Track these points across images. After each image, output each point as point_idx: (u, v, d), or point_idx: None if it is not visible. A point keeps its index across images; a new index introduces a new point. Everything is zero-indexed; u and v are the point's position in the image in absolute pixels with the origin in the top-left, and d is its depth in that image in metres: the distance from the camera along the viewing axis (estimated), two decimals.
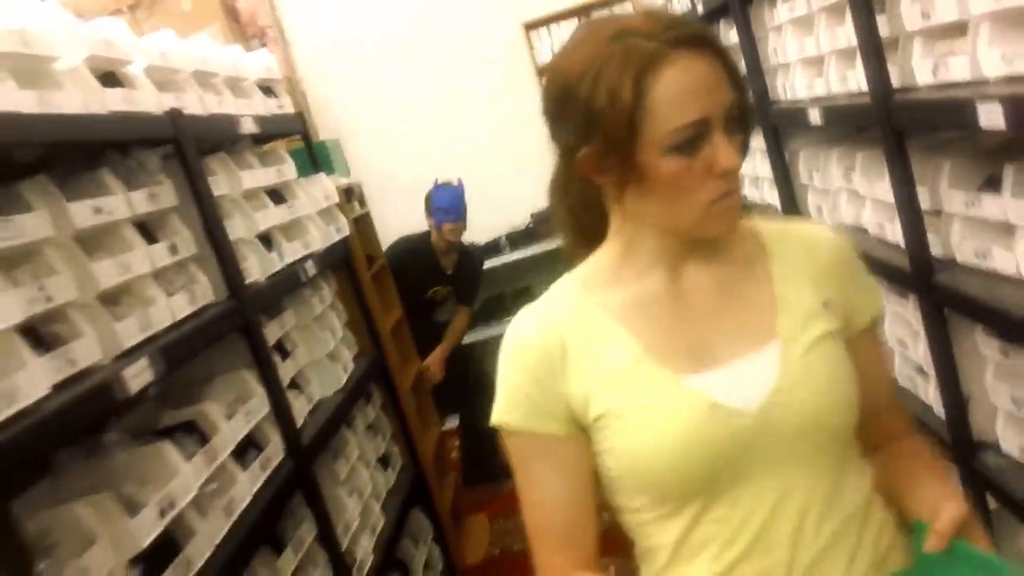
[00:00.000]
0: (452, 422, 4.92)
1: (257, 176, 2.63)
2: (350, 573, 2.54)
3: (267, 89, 3.04)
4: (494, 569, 3.83)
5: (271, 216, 2.65)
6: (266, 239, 2.60)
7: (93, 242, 1.81)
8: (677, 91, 0.98)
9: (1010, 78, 1.47)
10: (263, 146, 3.03)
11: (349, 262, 3.42)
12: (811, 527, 1.05)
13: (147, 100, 2.07)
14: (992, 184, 1.69)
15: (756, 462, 1.04)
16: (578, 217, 1.19)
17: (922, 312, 1.92)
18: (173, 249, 2.04)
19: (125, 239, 1.87)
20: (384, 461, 3.34)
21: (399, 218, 4.81)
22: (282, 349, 2.63)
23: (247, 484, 2.04)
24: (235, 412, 2.11)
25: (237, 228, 2.41)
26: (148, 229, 2.02)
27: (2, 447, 1.29)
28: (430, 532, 3.59)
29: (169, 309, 1.93)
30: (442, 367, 4.42)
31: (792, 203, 2.67)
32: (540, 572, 1.14)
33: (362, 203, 4.00)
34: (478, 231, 4.64)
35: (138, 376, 1.65)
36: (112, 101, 1.91)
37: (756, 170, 3.00)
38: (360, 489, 2.89)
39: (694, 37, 1.00)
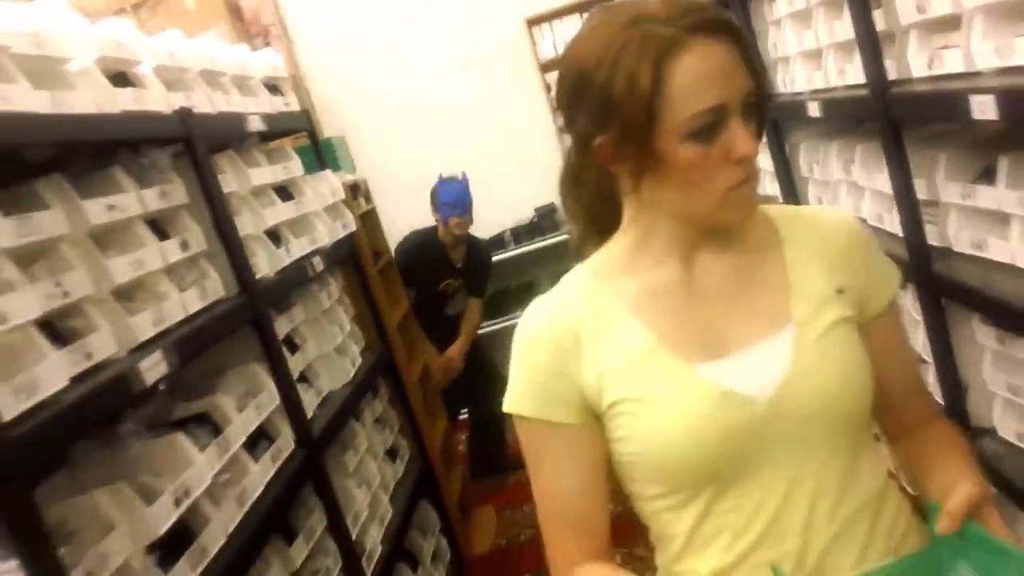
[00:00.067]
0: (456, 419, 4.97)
1: (265, 173, 2.68)
2: (360, 563, 2.58)
3: (273, 87, 3.08)
4: (501, 559, 3.87)
5: (279, 212, 2.69)
6: (274, 235, 2.64)
7: (107, 239, 1.85)
8: (696, 77, 0.97)
9: (1003, 70, 1.50)
10: (270, 144, 3.07)
11: (355, 257, 3.46)
12: (824, 514, 1.04)
13: (157, 100, 2.11)
14: (987, 175, 1.72)
15: (769, 450, 1.04)
16: (591, 207, 1.18)
17: (920, 301, 1.96)
18: (184, 245, 2.08)
19: (138, 236, 1.92)
20: (392, 453, 3.38)
21: (404, 214, 4.85)
22: (291, 343, 2.67)
23: (259, 475, 2.09)
24: (246, 404, 2.15)
25: (246, 224, 2.45)
26: (160, 226, 2.06)
27: (24, 437, 1.33)
28: (437, 524, 3.64)
29: (181, 304, 1.97)
30: (463, 359, 4.47)
31: (793, 195, 2.70)
32: (551, 561, 1.14)
33: (367, 199, 4.04)
34: (482, 226, 4.67)
35: (153, 369, 1.70)
36: (123, 101, 1.95)
37: (757, 163, 3.03)
38: (369, 481, 2.94)
39: (713, 22, 0.99)
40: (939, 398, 1.98)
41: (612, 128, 1.01)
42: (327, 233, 3.06)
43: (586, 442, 1.10)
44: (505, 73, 5.67)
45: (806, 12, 2.25)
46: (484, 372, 4.57)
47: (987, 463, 1.82)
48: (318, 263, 2.88)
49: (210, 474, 1.84)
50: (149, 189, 2.00)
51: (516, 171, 5.67)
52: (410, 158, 5.55)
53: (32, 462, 1.37)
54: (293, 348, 2.66)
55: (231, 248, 2.28)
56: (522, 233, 5.54)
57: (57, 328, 1.62)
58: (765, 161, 2.87)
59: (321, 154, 3.56)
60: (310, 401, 2.61)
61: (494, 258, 4.96)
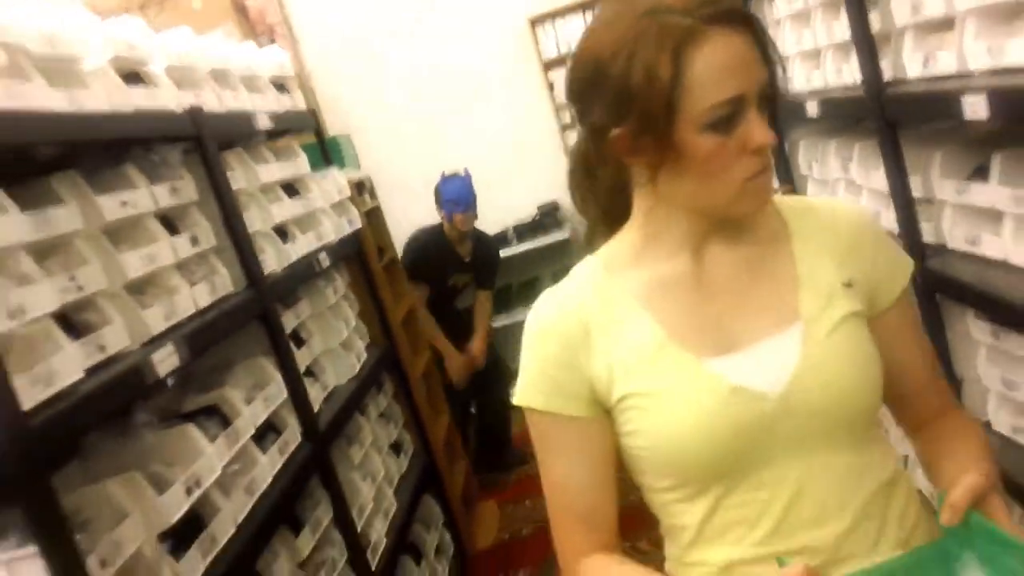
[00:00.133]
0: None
1: (272, 170, 2.72)
2: (365, 555, 2.62)
3: (280, 86, 3.11)
4: (504, 553, 3.91)
5: (286, 209, 2.73)
6: (282, 231, 2.68)
7: (119, 234, 1.90)
8: (715, 67, 0.96)
9: (994, 70, 1.54)
10: (277, 141, 3.11)
11: (361, 254, 3.50)
12: (835, 507, 1.04)
13: (168, 98, 2.15)
14: (981, 173, 1.76)
15: (779, 445, 1.04)
16: (601, 199, 1.17)
17: (916, 297, 2.00)
18: (194, 241, 2.12)
19: (150, 231, 1.96)
20: (396, 448, 3.42)
21: (408, 211, 4.90)
22: (297, 338, 2.71)
23: (267, 466, 2.13)
24: (254, 397, 2.19)
25: (254, 220, 2.49)
26: (171, 222, 2.10)
27: (42, 426, 1.37)
28: (441, 517, 3.67)
29: (192, 298, 2.01)
30: (485, 353, 4.52)
31: (792, 193, 2.74)
32: (560, 552, 1.14)
33: (372, 196, 4.08)
34: (485, 223, 4.70)
35: (165, 361, 1.74)
36: (136, 99, 1.99)
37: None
38: (373, 474, 2.97)
39: (730, 12, 0.98)
40: None
41: (629, 120, 1.00)
42: (333, 230, 3.10)
43: (595, 435, 1.10)
44: (508, 72, 5.71)
45: (805, 13, 2.29)
46: (490, 367, 4.60)
47: None
48: (324, 259, 2.92)
49: (220, 465, 1.88)
50: (160, 185, 2.04)
51: (519, 169, 5.72)
52: (414, 156, 5.60)
53: (50, 451, 1.40)
54: (300, 343, 2.70)
55: (240, 244, 2.32)
56: (525, 230, 5.58)
57: (72, 321, 1.66)
58: None
59: (327, 152, 3.60)
60: (316, 395, 2.65)
61: None
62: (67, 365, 1.50)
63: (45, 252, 1.67)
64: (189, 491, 1.74)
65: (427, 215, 4.56)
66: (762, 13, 2.64)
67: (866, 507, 1.05)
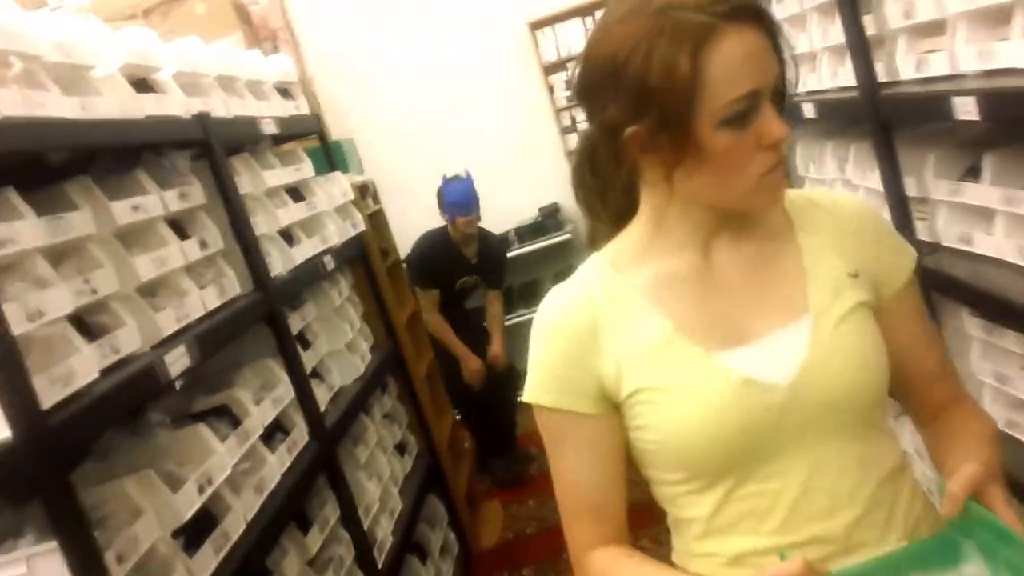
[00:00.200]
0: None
1: (278, 175, 2.76)
2: (372, 553, 2.66)
3: (285, 91, 3.16)
4: (508, 552, 3.95)
5: (292, 213, 2.77)
6: (287, 235, 2.73)
7: (131, 238, 1.94)
8: (732, 64, 0.97)
9: (985, 73, 1.58)
10: (281, 146, 3.15)
11: (364, 256, 3.54)
12: (845, 497, 1.05)
13: (177, 104, 2.19)
14: (973, 173, 1.80)
15: (789, 436, 1.04)
16: (608, 198, 1.18)
17: None
18: (203, 244, 2.16)
19: (160, 235, 2.00)
20: (401, 448, 3.46)
21: (411, 214, 4.94)
22: (303, 339, 2.75)
23: (275, 465, 2.17)
24: (263, 398, 2.23)
25: (260, 224, 2.53)
26: (180, 226, 2.14)
27: (61, 425, 1.41)
28: (445, 517, 3.71)
29: (201, 300, 2.05)
30: (505, 353, 4.56)
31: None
32: (571, 545, 1.16)
33: (375, 200, 4.12)
34: (487, 225, 4.73)
35: (177, 362, 1.78)
36: (146, 106, 2.03)
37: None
38: (379, 473, 3.01)
39: (744, 8, 0.98)
40: None
41: (646, 118, 1.00)
42: (337, 233, 3.14)
43: (605, 432, 1.11)
44: (508, 75, 5.77)
45: (801, 16, 2.33)
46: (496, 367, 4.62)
47: None
48: (329, 262, 2.96)
49: (230, 463, 1.92)
50: (170, 191, 2.08)
51: (520, 171, 5.77)
52: (416, 159, 5.65)
53: (68, 449, 1.45)
54: (305, 344, 2.74)
55: (247, 247, 2.36)
56: (526, 232, 5.62)
57: (87, 323, 1.71)
58: None
59: (331, 156, 3.64)
60: (322, 396, 2.69)
61: None
62: (83, 366, 1.54)
63: (60, 256, 1.71)
64: (201, 489, 1.78)
65: (429, 217, 4.59)
66: None
67: (874, 496, 1.06)
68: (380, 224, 4.10)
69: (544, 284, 5.68)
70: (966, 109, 1.51)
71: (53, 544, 1.35)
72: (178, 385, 2.10)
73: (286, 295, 2.61)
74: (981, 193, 1.73)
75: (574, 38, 5.64)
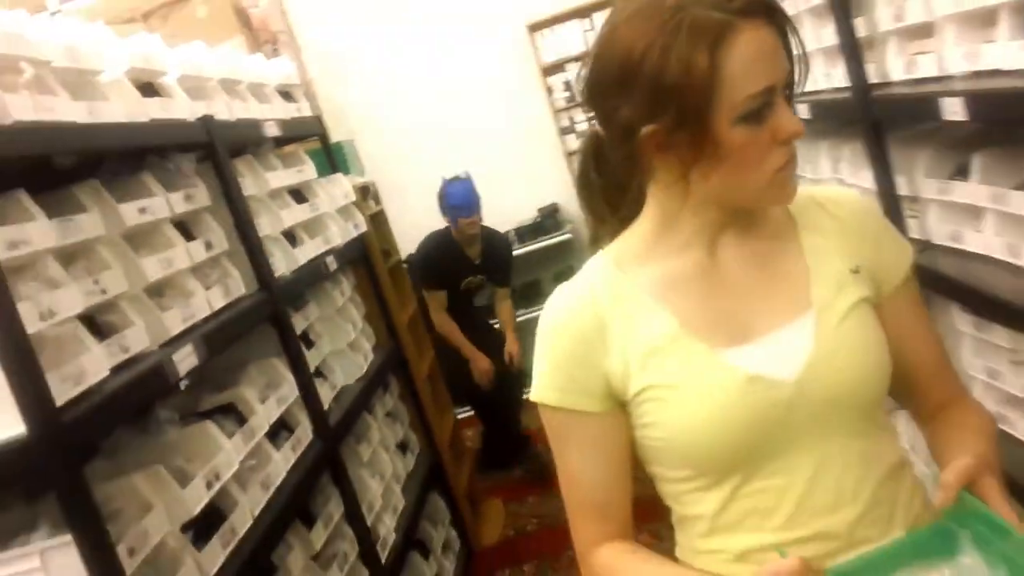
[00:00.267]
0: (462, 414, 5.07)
1: (281, 177, 2.80)
2: (375, 548, 2.70)
3: (287, 94, 3.20)
4: (509, 549, 3.99)
5: (294, 214, 2.81)
6: (290, 236, 2.76)
7: (138, 239, 1.97)
8: (748, 60, 0.97)
9: (972, 74, 1.62)
10: (284, 148, 3.19)
11: (366, 257, 3.58)
12: (849, 493, 1.05)
13: (182, 108, 2.23)
14: (963, 172, 1.84)
15: (794, 433, 1.05)
16: (613, 198, 1.18)
17: None
18: (208, 246, 2.20)
19: (167, 237, 2.04)
20: (403, 446, 3.50)
21: (411, 214, 4.98)
22: (307, 339, 2.79)
23: (281, 462, 2.21)
24: (268, 396, 2.27)
25: (264, 226, 2.57)
26: (186, 227, 2.18)
27: (74, 422, 1.45)
28: (447, 515, 3.75)
29: (207, 301, 2.09)
30: (519, 352, 4.59)
31: None
32: (576, 542, 1.16)
33: (376, 201, 4.16)
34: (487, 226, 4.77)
35: (185, 360, 1.82)
36: (152, 110, 2.07)
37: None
38: (382, 471, 3.05)
39: (759, 4, 0.99)
40: None
41: (663, 116, 0.99)
42: (339, 234, 3.18)
43: (610, 430, 1.11)
44: (507, 77, 5.80)
45: (794, 18, 2.36)
46: (502, 364, 4.61)
47: None
48: (331, 262, 3.00)
49: (237, 460, 1.96)
50: (175, 193, 2.12)
51: (519, 172, 5.80)
52: (416, 160, 5.69)
53: (81, 444, 1.49)
54: (309, 344, 2.78)
55: (251, 248, 2.40)
56: (526, 233, 5.66)
57: (96, 322, 1.74)
58: None
59: (332, 158, 3.67)
60: (326, 395, 2.72)
61: None
62: (94, 364, 1.58)
63: (70, 257, 1.75)
64: (209, 485, 1.82)
65: (430, 217, 4.61)
66: None
67: (877, 492, 1.07)
68: (381, 225, 4.14)
69: (544, 284, 5.71)
70: (953, 110, 1.55)
71: (67, 537, 1.39)
72: (183, 385, 2.14)
73: (290, 295, 2.64)
74: (970, 192, 1.77)
75: (572, 40, 5.67)
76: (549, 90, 5.75)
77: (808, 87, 2.36)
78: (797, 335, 1.07)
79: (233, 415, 2.11)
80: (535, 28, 5.68)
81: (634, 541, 1.14)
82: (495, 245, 4.64)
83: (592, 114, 1.12)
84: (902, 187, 2.00)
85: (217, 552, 1.79)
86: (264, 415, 2.18)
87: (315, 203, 3.04)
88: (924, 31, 1.77)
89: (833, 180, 2.43)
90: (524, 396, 4.09)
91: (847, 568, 0.98)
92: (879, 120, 1.96)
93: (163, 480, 1.71)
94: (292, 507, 2.20)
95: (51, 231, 1.62)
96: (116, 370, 1.67)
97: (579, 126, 5.78)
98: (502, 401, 4.62)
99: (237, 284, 2.30)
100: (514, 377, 4.57)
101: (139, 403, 1.73)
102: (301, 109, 3.28)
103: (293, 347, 2.51)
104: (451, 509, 3.81)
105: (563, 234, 5.67)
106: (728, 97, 0.97)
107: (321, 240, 2.98)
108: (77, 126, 1.77)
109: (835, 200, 1.17)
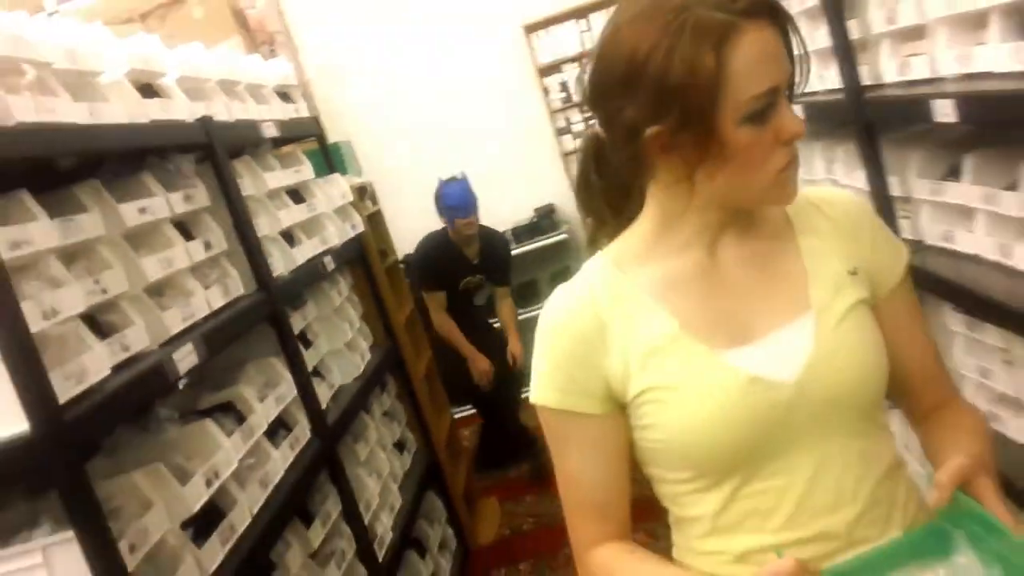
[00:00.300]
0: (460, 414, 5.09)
1: (279, 177, 2.81)
2: (372, 547, 2.72)
3: (284, 95, 3.21)
4: (505, 547, 4.00)
5: (292, 214, 2.83)
6: (288, 236, 2.78)
7: (138, 239, 1.99)
8: (753, 60, 0.97)
9: (963, 76, 1.64)
10: (282, 149, 3.20)
11: (363, 257, 3.60)
12: (848, 493, 1.06)
13: (181, 109, 2.25)
14: (954, 173, 1.86)
15: (794, 433, 1.05)
16: (613, 199, 1.18)
17: None
18: (207, 246, 2.21)
19: (167, 237, 2.05)
20: (399, 446, 3.52)
21: (408, 215, 4.99)
22: (305, 338, 2.80)
23: (279, 460, 2.22)
24: (266, 395, 2.28)
25: (262, 226, 2.58)
26: (185, 227, 2.20)
27: (76, 420, 1.46)
28: (444, 513, 3.77)
29: (206, 300, 2.11)
30: (522, 352, 4.58)
31: None
32: (574, 542, 1.16)
33: (374, 201, 4.17)
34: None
35: (185, 359, 1.83)
36: (151, 111, 2.08)
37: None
38: (379, 470, 3.07)
39: (763, 5, 0.99)
40: None
41: (668, 117, 0.99)
42: (337, 234, 3.20)
43: (610, 431, 1.11)
44: (504, 78, 5.82)
45: None
46: (501, 363, 4.61)
47: None
48: (329, 262, 3.01)
49: (236, 458, 1.98)
50: (175, 193, 2.13)
51: (516, 172, 5.83)
52: (413, 160, 5.71)
53: (83, 442, 1.50)
54: (307, 343, 2.80)
55: (250, 248, 2.42)
56: (522, 233, 5.68)
57: (97, 321, 1.76)
58: None
59: (329, 158, 3.69)
60: (323, 394, 2.74)
61: None
62: (95, 363, 1.60)
63: (71, 257, 1.76)
64: (209, 482, 1.83)
65: (427, 217, 4.61)
66: None
67: (876, 491, 1.07)
68: (378, 225, 4.15)
69: (541, 284, 5.74)
70: (945, 112, 1.57)
71: (69, 534, 1.41)
72: (181, 384, 2.15)
73: (288, 295, 2.66)
74: (962, 192, 1.79)
75: (569, 41, 5.70)
76: (545, 91, 5.77)
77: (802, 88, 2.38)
78: (797, 336, 1.07)
79: (232, 414, 2.13)
80: (531, 29, 5.70)
81: (632, 541, 1.15)
82: (493, 245, 4.64)
83: (593, 115, 1.12)
84: (895, 188, 2.02)
85: (216, 549, 1.81)
86: (263, 414, 2.20)
87: (313, 203, 3.05)
88: (916, 33, 1.79)
89: (827, 181, 2.45)
90: (524, 395, 4.11)
91: (843, 568, 0.98)
92: (872, 121, 1.98)
93: (163, 478, 1.73)
94: (290, 505, 2.22)
95: (53, 231, 1.64)
96: (117, 369, 1.68)
97: (575, 127, 5.80)
98: (501, 401, 4.63)
99: (236, 284, 2.31)
100: (513, 377, 4.59)
101: (140, 401, 1.75)
102: (299, 110, 3.30)
103: (291, 346, 2.52)
104: (448, 508, 3.83)
105: (559, 234, 5.69)
106: (733, 97, 0.97)
107: (319, 240, 3.00)
108: (78, 127, 1.78)
109: (830, 201, 1.18)
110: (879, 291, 1.14)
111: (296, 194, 2.99)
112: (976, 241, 1.79)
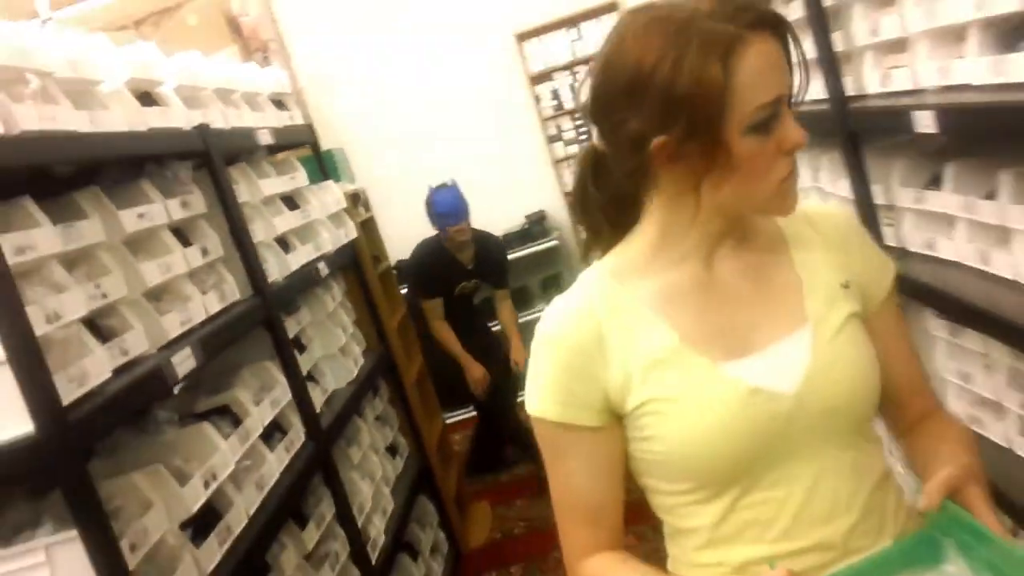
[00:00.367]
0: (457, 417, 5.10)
1: (274, 184, 2.85)
2: (365, 549, 2.75)
3: (279, 103, 3.25)
4: (496, 551, 4.04)
5: (287, 221, 2.86)
6: (283, 242, 2.81)
7: (137, 245, 2.02)
8: (758, 71, 0.98)
9: (944, 88, 1.68)
10: (276, 156, 3.24)
11: (357, 263, 3.63)
12: (843, 504, 1.07)
13: (178, 117, 2.28)
14: (936, 182, 1.90)
15: (793, 445, 1.06)
16: (610, 210, 1.19)
17: None
18: (204, 251, 2.25)
19: (165, 243, 2.08)
20: (392, 450, 3.55)
21: (401, 221, 5.02)
22: (299, 343, 2.84)
23: (274, 463, 2.25)
24: (262, 399, 2.32)
25: (258, 232, 2.61)
26: (182, 233, 2.23)
27: (79, 422, 1.49)
28: (435, 517, 3.80)
29: (203, 305, 2.14)
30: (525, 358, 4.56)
31: None
32: (565, 550, 1.17)
33: (367, 208, 4.21)
34: None
35: (183, 363, 1.87)
36: (150, 119, 2.12)
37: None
38: (372, 474, 3.10)
39: (767, 17, 1.01)
40: None
41: (675, 127, 1.00)
42: (330, 240, 3.23)
43: (605, 443, 1.12)
44: (496, 86, 5.88)
45: None
46: (499, 368, 4.64)
47: None
48: (323, 268, 3.04)
49: (233, 460, 2.01)
50: (173, 200, 2.17)
51: (507, 179, 5.88)
52: (405, 167, 5.75)
53: (85, 443, 1.53)
54: (301, 348, 2.83)
55: (246, 254, 2.45)
56: (513, 239, 5.71)
57: (97, 325, 1.79)
58: None
59: (323, 165, 3.72)
60: (317, 398, 2.77)
61: None
62: (97, 366, 1.63)
63: (72, 262, 1.79)
64: (207, 484, 1.87)
65: (419, 223, 4.62)
66: None
67: (869, 502, 1.09)
68: (371, 231, 4.19)
69: (532, 290, 5.78)
70: (925, 123, 1.62)
71: (72, 533, 1.44)
72: (175, 390, 2.18)
73: (282, 300, 2.69)
74: (943, 201, 1.84)
75: (560, 49, 5.76)
76: (537, 99, 5.83)
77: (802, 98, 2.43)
78: (795, 348, 1.08)
79: (228, 417, 2.16)
80: (523, 37, 5.76)
81: (624, 550, 1.15)
82: (489, 248, 4.63)
83: (594, 127, 1.13)
84: (878, 196, 2.07)
85: (214, 550, 1.84)
86: (258, 417, 2.23)
87: (307, 210, 3.09)
88: (899, 46, 1.84)
89: (813, 189, 2.50)
90: (519, 399, 4.13)
91: None
92: (856, 131, 2.03)
93: (163, 479, 1.76)
94: (285, 507, 2.25)
95: (56, 237, 1.67)
96: (117, 372, 1.71)
97: (566, 134, 5.86)
98: (498, 405, 4.66)
99: (232, 289, 2.34)
100: (512, 380, 4.60)
101: (139, 404, 1.78)
102: (293, 117, 3.34)
103: (286, 351, 2.55)
104: (439, 512, 3.86)
105: (550, 241, 5.73)
106: (739, 107, 0.99)
107: (313, 246, 3.03)
108: (79, 135, 1.81)
109: (820, 214, 1.20)
110: (869, 304, 1.16)
111: (291, 201, 3.03)
112: (957, 248, 1.84)
